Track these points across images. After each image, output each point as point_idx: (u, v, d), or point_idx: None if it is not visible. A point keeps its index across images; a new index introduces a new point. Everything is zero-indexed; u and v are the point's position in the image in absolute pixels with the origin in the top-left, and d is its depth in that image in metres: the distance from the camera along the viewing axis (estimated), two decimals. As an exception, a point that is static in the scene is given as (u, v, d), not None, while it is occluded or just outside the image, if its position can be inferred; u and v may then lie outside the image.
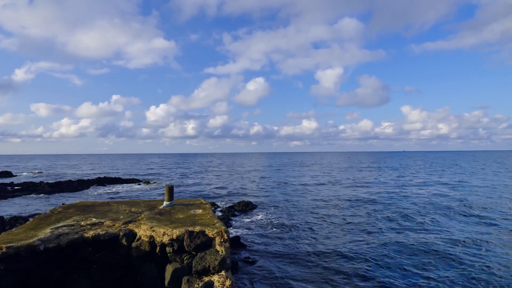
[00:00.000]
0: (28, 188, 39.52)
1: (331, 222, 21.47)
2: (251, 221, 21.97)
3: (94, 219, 11.44)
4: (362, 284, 11.86)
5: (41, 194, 36.25)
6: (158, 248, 9.60)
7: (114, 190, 41.18)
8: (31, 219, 14.06)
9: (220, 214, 23.86)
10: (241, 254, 14.88)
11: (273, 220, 22.31)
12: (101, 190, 41.26)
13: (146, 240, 9.77)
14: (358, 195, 34.32)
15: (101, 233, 9.86)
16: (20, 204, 30.12)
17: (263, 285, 11.85)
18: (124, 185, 47.88)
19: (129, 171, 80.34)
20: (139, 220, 11.38)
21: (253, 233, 18.93)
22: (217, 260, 8.53)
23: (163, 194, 15.53)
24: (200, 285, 7.85)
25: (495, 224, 20.13)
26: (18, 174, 71.59)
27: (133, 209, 13.32)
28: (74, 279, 9.18)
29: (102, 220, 11.28)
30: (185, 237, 9.49)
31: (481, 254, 14.72)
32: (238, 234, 18.11)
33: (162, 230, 9.87)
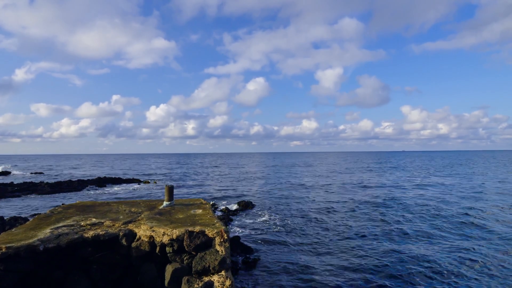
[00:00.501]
0: (28, 188, 39.49)
1: (332, 223, 21.45)
2: (251, 221, 21.96)
3: (94, 219, 11.43)
4: (363, 284, 11.85)
5: (41, 194, 36.24)
6: (158, 248, 9.59)
7: (114, 190, 41.16)
8: (31, 219, 14.06)
9: (220, 214, 23.85)
10: (241, 254, 14.87)
11: (273, 220, 22.30)
12: (101, 190, 41.23)
13: (146, 240, 9.77)
14: (359, 195, 34.31)
15: (101, 233, 9.85)
16: (20, 204, 30.10)
17: (264, 285, 11.84)
18: (124, 185, 47.86)
19: (129, 171, 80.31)
20: (139, 220, 11.38)
21: (253, 233, 18.92)
22: (217, 260, 8.52)
23: (163, 194, 15.53)
24: (200, 285, 7.84)
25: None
26: (18, 174, 71.56)
27: (133, 209, 13.31)
28: (74, 279, 9.18)
29: (102, 220, 11.27)
30: (185, 237, 9.48)
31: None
32: (238, 234, 18.11)
33: (162, 230, 9.87)
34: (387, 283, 11.89)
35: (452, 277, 12.46)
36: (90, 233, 9.82)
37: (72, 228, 10.38)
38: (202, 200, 15.57)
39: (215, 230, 9.78)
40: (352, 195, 34.31)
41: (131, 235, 10.03)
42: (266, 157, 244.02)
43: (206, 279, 8.16)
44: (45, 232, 9.78)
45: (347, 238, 17.74)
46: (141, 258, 9.68)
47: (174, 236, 9.55)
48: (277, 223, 21.37)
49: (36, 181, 47.30)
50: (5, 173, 71.19)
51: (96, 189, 41.78)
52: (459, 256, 14.63)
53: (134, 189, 41.74)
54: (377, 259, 14.22)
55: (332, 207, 26.98)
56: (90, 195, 36.59)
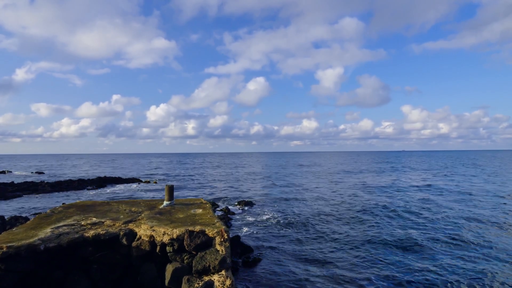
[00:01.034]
0: (29, 188, 39.53)
1: (332, 223, 21.45)
2: (252, 221, 21.97)
3: (94, 219, 11.44)
4: (365, 283, 11.86)
5: (42, 194, 36.28)
6: (158, 248, 9.60)
7: (114, 189, 41.20)
8: (31, 219, 14.08)
9: (220, 213, 23.86)
10: (241, 254, 14.88)
11: (274, 219, 22.30)
12: (101, 189, 41.26)
13: (146, 239, 9.77)
14: (359, 195, 34.30)
15: (101, 232, 9.86)
16: (20, 203, 30.14)
17: (264, 285, 11.84)
18: (124, 184, 47.90)
19: (129, 171, 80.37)
20: (139, 219, 11.39)
21: (254, 232, 18.93)
22: (217, 259, 8.53)
23: (163, 193, 15.54)
24: (200, 284, 7.85)
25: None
26: (19, 174, 71.62)
27: (133, 209, 13.32)
28: (74, 279, 9.18)
29: (103, 220, 11.28)
30: (185, 236, 9.49)
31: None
32: (238, 233, 18.11)
33: (162, 230, 9.87)
34: (391, 286, 11.88)
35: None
36: (90, 233, 9.83)
37: (72, 227, 10.39)
38: (202, 200, 15.58)
39: (215, 230, 9.78)
40: (353, 195, 34.30)
41: (132, 235, 10.04)
42: (266, 157, 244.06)
43: (206, 278, 8.17)
44: (46, 232, 9.79)
45: (347, 238, 17.73)
46: (141, 257, 9.69)
47: (175, 236, 9.56)
48: (278, 222, 21.37)
49: (36, 181, 47.35)
50: (6, 173, 71.23)
51: (96, 189, 41.80)
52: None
53: (134, 189, 41.77)
54: (381, 261, 14.22)
55: (333, 207, 26.98)
56: (90, 194, 36.61)
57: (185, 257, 9.20)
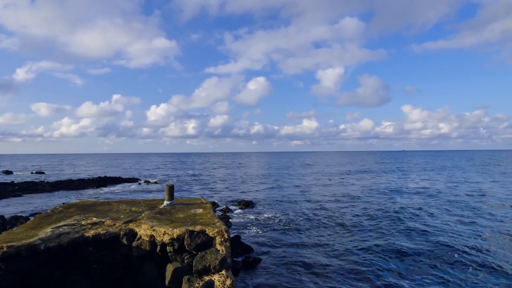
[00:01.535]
0: (29, 188, 39.55)
1: (332, 223, 21.44)
2: (252, 221, 21.96)
3: (94, 219, 11.43)
4: (365, 284, 11.85)
5: (42, 194, 36.29)
6: (158, 248, 9.59)
7: (114, 189, 41.20)
8: (31, 219, 14.08)
9: (220, 213, 23.86)
10: (241, 254, 14.87)
11: (274, 219, 22.30)
12: (101, 189, 41.27)
13: (147, 239, 9.77)
14: (360, 197, 34.28)
15: (101, 232, 9.86)
16: (20, 203, 30.14)
17: (264, 285, 11.84)
18: (125, 184, 47.91)
19: (130, 171, 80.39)
20: (139, 219, 11.38)
21: (254, 232, 18.93)
22: (217, 259, 8.52)
23: (164, 193, 15.54)
24: (200, 284, 7.84)
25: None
26: (19, 174, 71.65)
27: (133, 209, 13.31)
28: (74, 279, 9.17)
29: (103, 220, 11.27)
30: (186, 236, 9.48)
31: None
32: (238, 233, 18.11)
33: (162, 230, 9.86)
34: (392, 285, 11.87)
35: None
36: (91, 232, 9.82)
37: (73, 227, 10.38)
38: (203, 200, 15.56)
39: (216, 230, 9.77)
40: (354, 197, 34.29)
41: (132, 235, 10.03)
42: (266, 157, 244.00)
43: (206, 278, 8.16)
44: (46, 231, 9.79)
45: (348, 238, 17.72)
46: (141, 257, 9.68)
47: (175, 236, 9.55)
48: (278, 222, 21.36)
49: (36, 181, 47.38)
50: (6, 173, 71.27)
51: (97, 189, 41.81)
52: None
53: (134, 189, 41.77)
54: (382, 260, 14.20)
55: (333, 208, 26.97)
56: (90, 194, 36.62)
57: (186, 257, 9.19)
